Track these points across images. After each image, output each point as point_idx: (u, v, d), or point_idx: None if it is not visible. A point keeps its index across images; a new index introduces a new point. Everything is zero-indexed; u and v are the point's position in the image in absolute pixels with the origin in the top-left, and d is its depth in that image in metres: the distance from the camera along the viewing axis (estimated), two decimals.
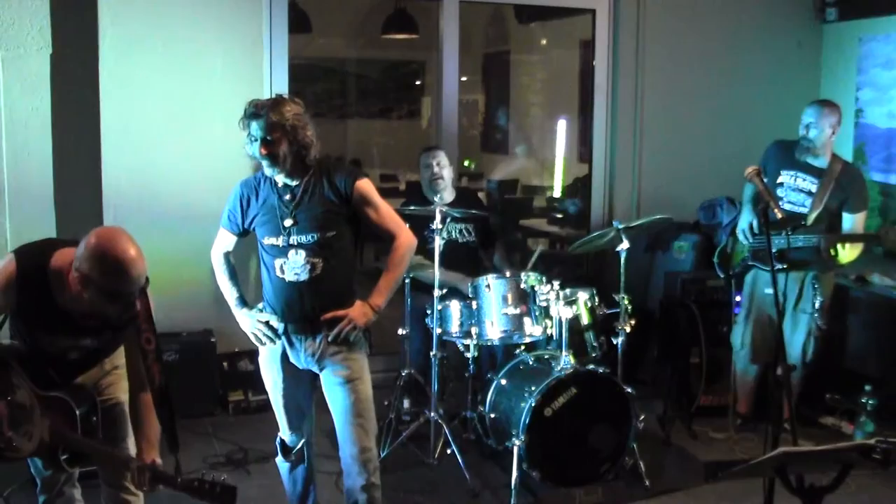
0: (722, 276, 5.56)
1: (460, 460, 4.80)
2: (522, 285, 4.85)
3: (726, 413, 5.57)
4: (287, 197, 3.74)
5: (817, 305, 5.17)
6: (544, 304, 4.83)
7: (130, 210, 5.51)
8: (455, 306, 4.89)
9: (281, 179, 3.74)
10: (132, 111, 5.55)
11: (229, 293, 3.90)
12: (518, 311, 4.82)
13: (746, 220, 5.32)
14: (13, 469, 4.69)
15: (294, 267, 3.69)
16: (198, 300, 5.73)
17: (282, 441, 4.03)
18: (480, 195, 8.20)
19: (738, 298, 5.54)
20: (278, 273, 3.72)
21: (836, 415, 5.57)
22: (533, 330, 4.83)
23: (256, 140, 3.63)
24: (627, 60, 6.80)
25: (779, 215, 4.15)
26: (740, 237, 5.33)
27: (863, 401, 5.15)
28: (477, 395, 5.07)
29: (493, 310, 4.81)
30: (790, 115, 6.92)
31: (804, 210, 5.18)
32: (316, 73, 11.39)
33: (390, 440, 5.06)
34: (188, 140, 5.85)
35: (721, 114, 6.87)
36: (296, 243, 3.69)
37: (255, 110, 3.62)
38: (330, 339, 3.70)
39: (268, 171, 3.70)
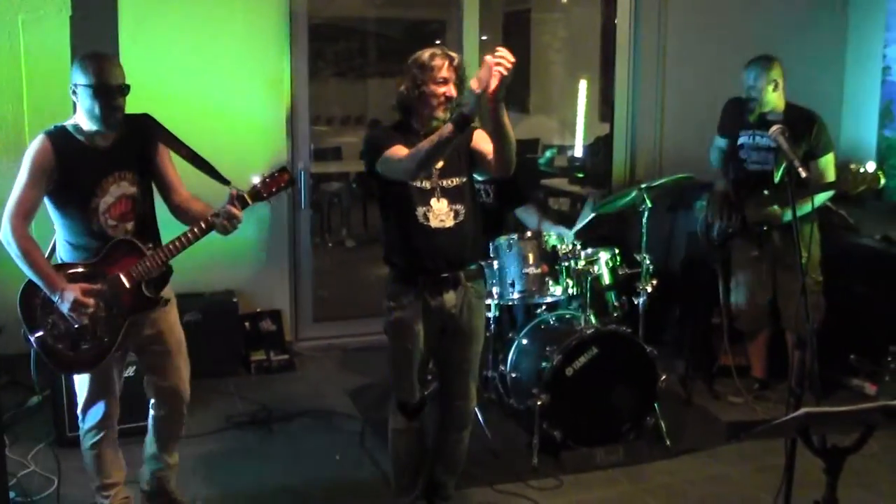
0: (707, 244, 5.51)
1: (481, 420, 4.81)
2: (544, 245, 4.83)
3: (747, 373, 5.57)
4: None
5: (804, 260, 5.08)
6: (566, 263, 4.82)
7: None
8: None
9: (436, 114, 3.62)
10: (152, 72, 5.53)
11: None
12: (539, 270, 4.80)
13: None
14: (40, 428, 4.78)
15: (439, 213, 3.63)
16: (219, 261, 5.77)
17: (404, 404, 3.87)
18: None
19: None
20: (421, 220, 3.62)
21: (859, 376, 5.55)
22: (554, 290, 4.82)
23: (446, 82, 3.58)
24: (650, 18, 6.72)
25: (803, 174, 4.09)
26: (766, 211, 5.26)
27: (887, 361, 5.12)
28: (498, 355, 5.07)
29: (514, 269, 4.79)
30: (816, 73, 6.87)
31: (768, 168, 5.11)
32: (336, 33, 11.33)
33: None
34: (209, 100, 5.85)
35: (744, 71, 6.78)
36: (440, 186, 3.63)
37: (443, 51, 3.62)
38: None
39: (441, 114, 3.60)
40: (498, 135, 3.44)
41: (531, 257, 4.80)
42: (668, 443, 4.77)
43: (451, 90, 3.60)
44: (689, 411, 5.28)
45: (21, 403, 5.10)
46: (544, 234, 4.88)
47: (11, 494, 4.02)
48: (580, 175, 8.77)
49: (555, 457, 4.63)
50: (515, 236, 4.84)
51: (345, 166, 10.99)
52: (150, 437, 3.93)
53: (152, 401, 3.87)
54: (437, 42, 11.74)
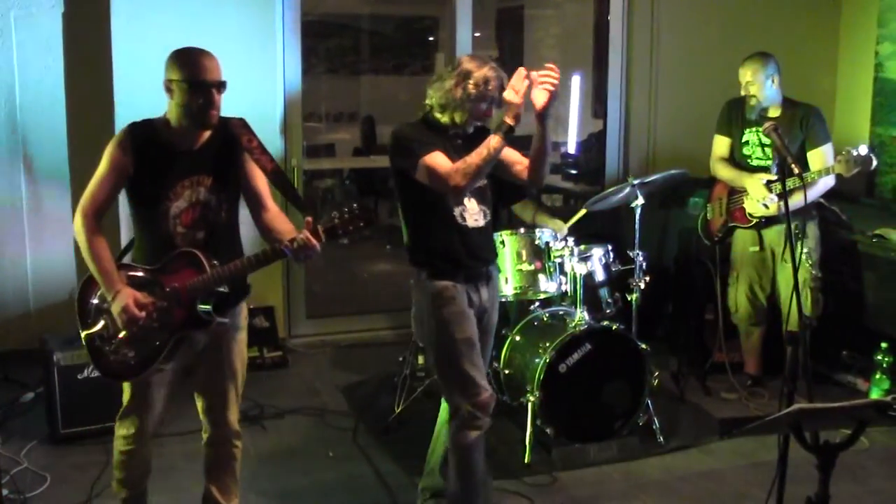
0: (707, 243, 5.55)
1: None
2: (537, 241, 4.82)
3: (740, 370, 5.58)
4: (459, 142, 3.70)
5: (804, 256, 5.13)
6: (559, 260, 4.81)
7: None
8: None
9: (468, 126, 3.71)
10: (144, 68, 5.51)
11: None
12: (532, 267, 4.79)
13: (757, 185, 5.18)
14: (34, 425, 4.77)
15: (473, 213, 3.72)
16: None
17: (480, 403, 3.72)
18: None
19: None
20: (459, 220, 3.69)
21: (851, 372, 5.56)
22: (547, 286, 4.81)
23: (492, 98, 3.65)
24: (642, 14, 6.72)
25: (796, 170, 4.10)
26: (759, 205, 5.20)
27: (879, 358, 5.14)
28: (491, 352, 5.06)
29: (507, 266, 4.78)
30: (809, 69, 6.88)
31: (770, 164, 5.19)
32: (329, 30, 11.31)
33: (405, 396, 5.07)
34: None
35: (737, 68, 6.78)
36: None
37: (498, 72, 3.65)
38: None
39: (475, 121, 3.70)
40: (539, 148, 3.59)
41: (524, 254, 4.78)
42: (660, 439, 4.78)
43: (492, 110, 3.69)
44: (682, 408, 5.29)
45: (14, 400, 5.09)
46: (538, 229, 4.88)
47: (4, 492, 4.01)
48: (573, 171, 8.77)
49: (548, 453, 4.63)
50: (508, 233, 4.84)
51: (338, 163, 10.99)
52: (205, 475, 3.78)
53: (203, 436, 3.73)
54: (430, 38, 11.78)
